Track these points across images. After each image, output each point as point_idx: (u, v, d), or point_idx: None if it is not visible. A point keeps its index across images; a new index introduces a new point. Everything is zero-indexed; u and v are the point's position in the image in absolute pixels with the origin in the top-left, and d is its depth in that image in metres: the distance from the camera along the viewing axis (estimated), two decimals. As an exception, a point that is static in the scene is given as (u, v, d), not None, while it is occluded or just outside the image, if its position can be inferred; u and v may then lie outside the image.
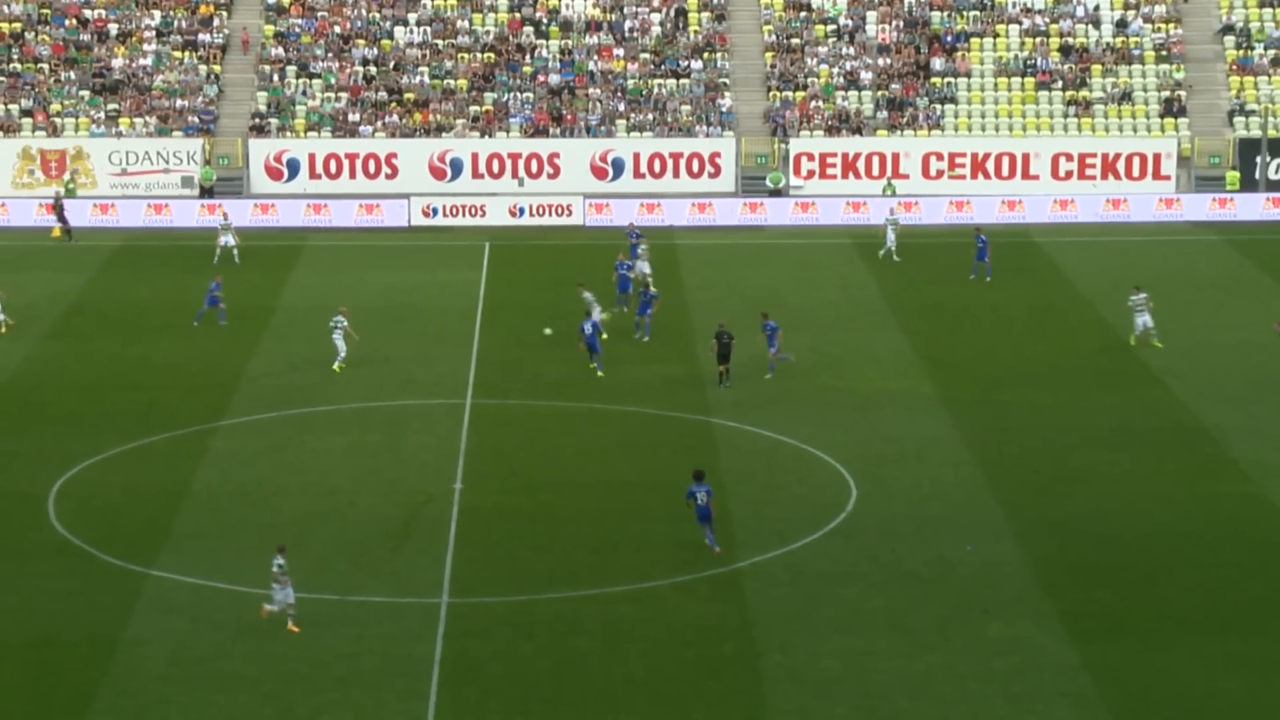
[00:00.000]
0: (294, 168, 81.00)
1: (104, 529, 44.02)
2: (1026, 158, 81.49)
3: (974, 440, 50.72)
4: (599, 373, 55.68)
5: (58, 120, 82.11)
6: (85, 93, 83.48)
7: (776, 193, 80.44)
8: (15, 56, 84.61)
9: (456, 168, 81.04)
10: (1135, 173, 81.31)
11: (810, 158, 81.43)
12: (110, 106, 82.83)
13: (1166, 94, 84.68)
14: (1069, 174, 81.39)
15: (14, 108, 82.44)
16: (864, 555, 42.72)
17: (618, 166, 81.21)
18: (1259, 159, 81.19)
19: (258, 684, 36.18)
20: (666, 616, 39.44)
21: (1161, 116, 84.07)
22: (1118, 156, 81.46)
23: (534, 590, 40.71)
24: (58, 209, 75.54)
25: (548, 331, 59.14)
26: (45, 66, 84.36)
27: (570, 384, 55.44)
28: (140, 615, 39.22)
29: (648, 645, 38.10)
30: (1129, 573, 41.91)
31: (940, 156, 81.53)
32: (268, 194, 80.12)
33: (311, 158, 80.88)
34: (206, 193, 79.43)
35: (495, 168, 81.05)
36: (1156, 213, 79.39)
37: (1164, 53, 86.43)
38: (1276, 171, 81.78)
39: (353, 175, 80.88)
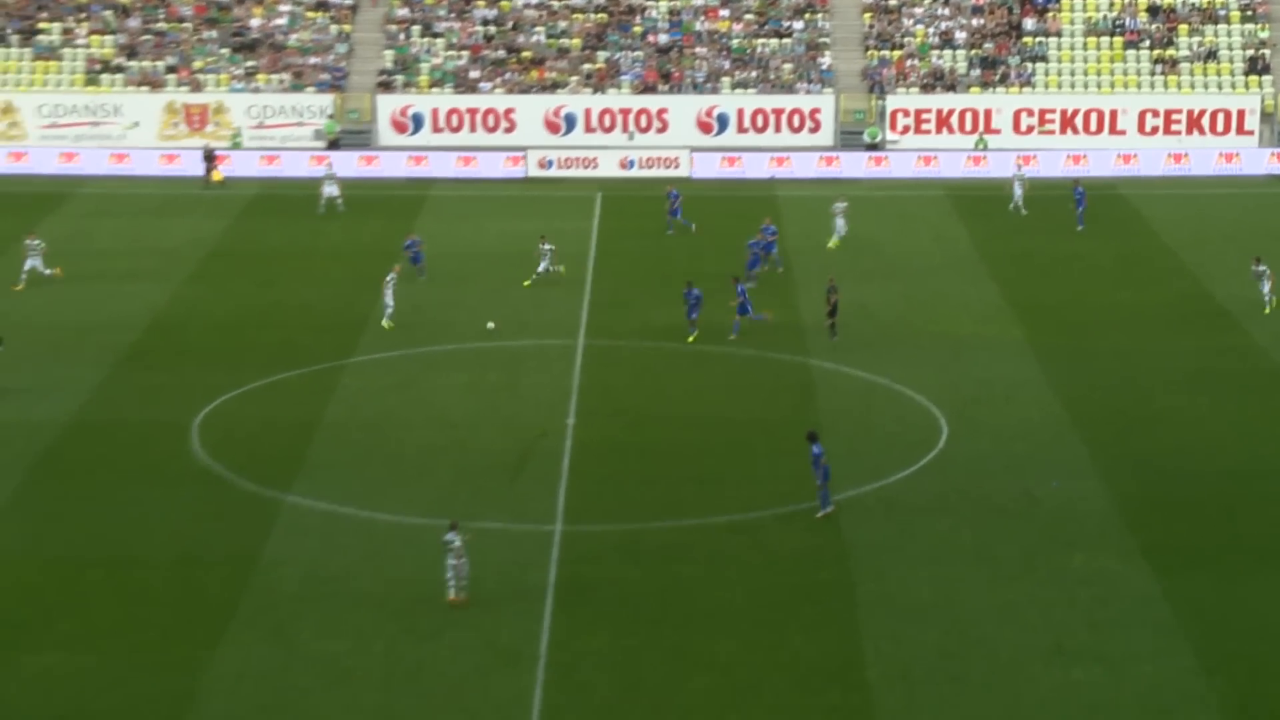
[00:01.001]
0: (418, 122, 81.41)
1: (243, 457, 44.72)
2: (1114, 114, 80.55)
3: (1060, 382, 50.46)
4: (690, 337, 54.17)
5: (200, 76, 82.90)
6: (225, 50, 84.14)
7: (873, 147, 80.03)
8: (161, 17, 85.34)
9: (570, 122, 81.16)
10: (1220, 128, 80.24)
11: (906, 114, 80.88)
12: (248, 63, 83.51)
13: (1251, 52, 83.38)
14: (1154, 130, 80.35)
15: (159, 64, 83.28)
16: (954, 490, 42.72)
17: (722, 121, 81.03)
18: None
19: (384, 603, 36.74)
20: (767, 546, 39.65)
21: (1246, 74, 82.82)
22: (1203, 113, 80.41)
23: (642, 520, 41.01)
24: (208, 158, 76.50)
25: (490, 326, 55.83)
26: (188, 26, 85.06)
27: (677, 327, 55.48)
28: (276, 538, 39.90)
29: (749, 572, 38.33)
30: (1208, 508, 41.69)
31: (1031, 113, 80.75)
32: (394, 146, 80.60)
33: (435, 112, 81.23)
34: (332, 145, 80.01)
35: (607, 122, 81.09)
36: (1232, 167, 78.39)
37: (1249, 12, 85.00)
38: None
39: (473, 129, 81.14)
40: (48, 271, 60.24)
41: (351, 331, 55.30)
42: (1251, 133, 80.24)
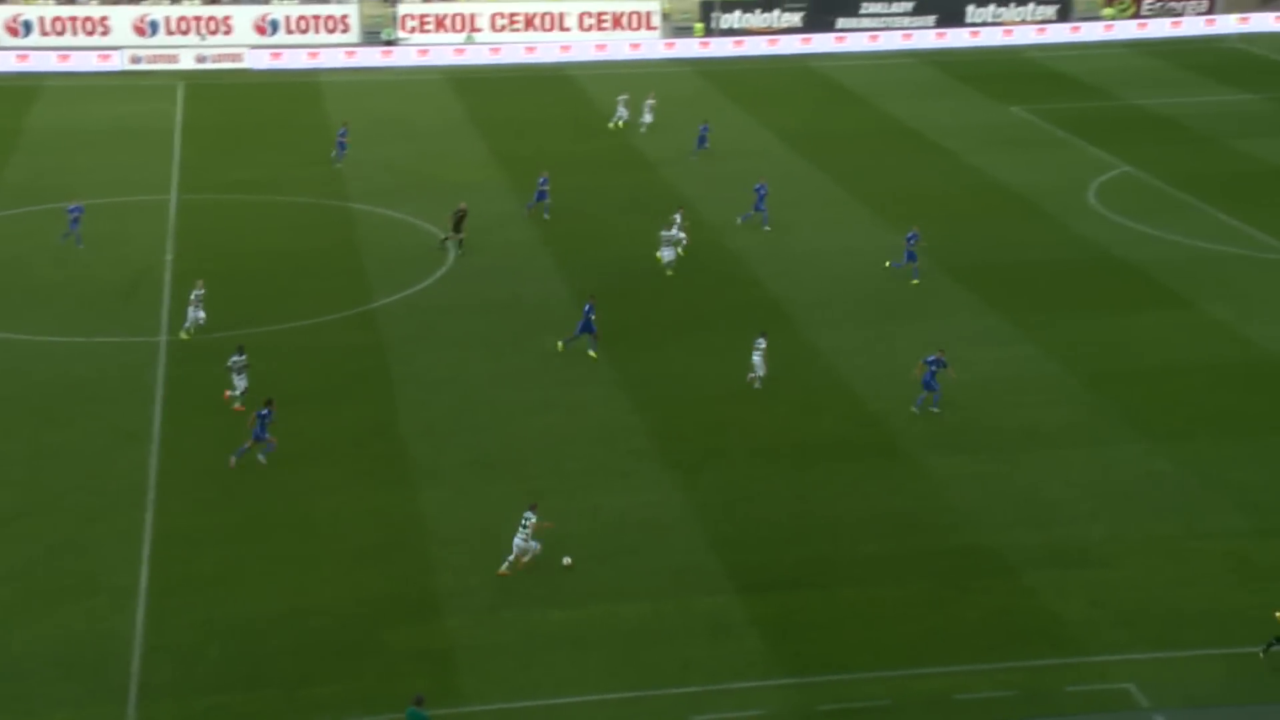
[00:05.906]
0: (28, 27, 74.34)
1: None
2: (562, 15, 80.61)
3: (535, 213, 50.69)
4: (591, 353, 38.58)
5: None
6: None
7: (390, 43, 77.69)
8: None
9: (154, 27, 75.62)
10: (635, 25, 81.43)
11: (413, 18, 78.76)
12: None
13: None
14: (591, 26, 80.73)
15: None
16: (463, 294, 42.73)
17: (274, 25, 77.03)
18: (713, 14, 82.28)
19: (24, 400, 34.16)
20: (328, 342, 38.96)
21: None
22: (623, 13, 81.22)
23: (232, 327, 39.41)
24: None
25: (566, 561, 29.20)
26: None
27: (249, 183, 53.08)
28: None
29: (316, 361, 37.61)
30: (639, 297, 42.88)
31: (503, 15, 79.94)
32: (9, 46, 73.37)
33: (41, 20, 74.26)
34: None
35: (184, 27, 75.96)
36: (648, 53, 79.79)
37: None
38: (725, 22, 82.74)
39: (74, 33, 74.64)
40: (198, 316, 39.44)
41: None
42: (655, 28, 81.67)
